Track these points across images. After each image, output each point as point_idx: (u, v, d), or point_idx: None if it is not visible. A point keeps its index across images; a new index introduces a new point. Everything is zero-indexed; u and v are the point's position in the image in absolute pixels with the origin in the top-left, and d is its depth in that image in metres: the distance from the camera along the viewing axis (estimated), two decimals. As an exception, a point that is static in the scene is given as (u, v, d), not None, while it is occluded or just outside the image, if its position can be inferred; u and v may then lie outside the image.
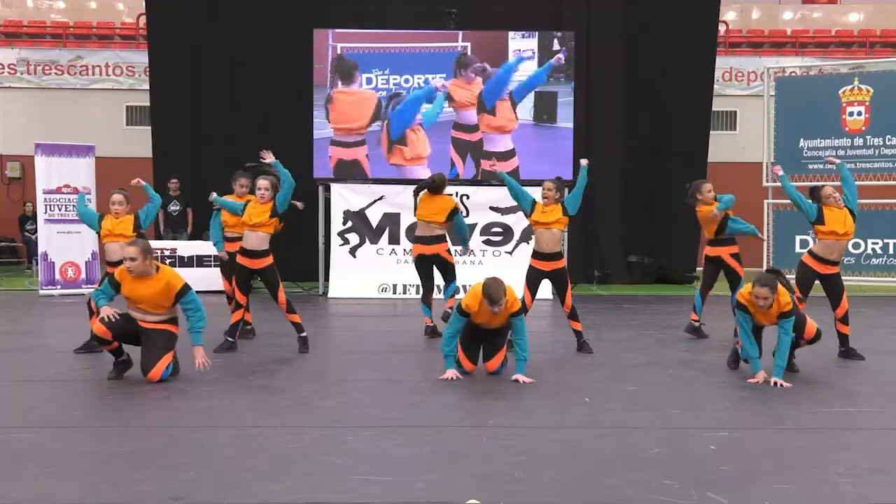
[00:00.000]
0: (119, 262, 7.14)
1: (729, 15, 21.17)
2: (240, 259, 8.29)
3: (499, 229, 13.55)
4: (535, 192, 13.39)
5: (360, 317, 10.95)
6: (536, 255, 8.31)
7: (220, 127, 15.57)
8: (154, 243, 14.13)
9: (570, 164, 13.54)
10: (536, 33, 13.86)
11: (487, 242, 13.52)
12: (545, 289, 13.29)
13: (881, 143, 14.57)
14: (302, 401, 6.35)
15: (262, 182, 8.23)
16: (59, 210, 13.48)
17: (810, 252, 8.10)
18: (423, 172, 13.02)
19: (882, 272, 14.66)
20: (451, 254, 9.37)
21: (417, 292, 11.52)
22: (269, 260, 8.20)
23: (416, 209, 9.25)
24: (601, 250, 16.19)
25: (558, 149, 13.75)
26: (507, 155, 13.76)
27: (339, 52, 13.80)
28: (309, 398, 6.44)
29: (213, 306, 11.61)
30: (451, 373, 6.96)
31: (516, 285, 13.46)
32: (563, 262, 8.37)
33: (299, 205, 9.39)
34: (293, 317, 8.26)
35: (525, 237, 13.48)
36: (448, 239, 9.39)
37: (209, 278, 13.97)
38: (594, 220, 15.83)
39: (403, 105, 13.83)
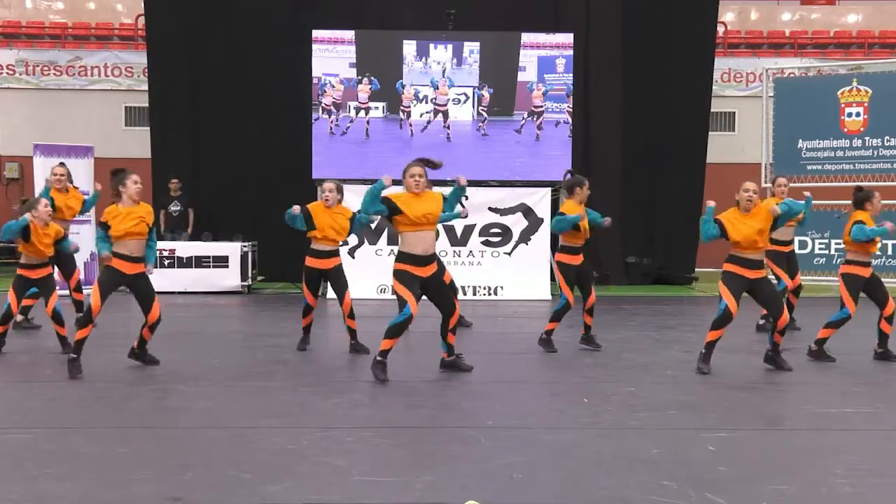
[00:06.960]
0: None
1: (727, 16, 21.16)
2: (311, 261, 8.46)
3: (497, 230, 13.54)
4: (533, 194, 13.68)
5: (358, 318, 10.89)
6: (567, 249, 8.67)
7: (220, 127, 15.57)
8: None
9: (568, 165, 13.64)
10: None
11: (486, 243, 13.50)
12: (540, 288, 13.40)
13: (880, 144, 14.57)
14: (300, 401, 6.36)
15: (328, 185, 8.30)
16: (58, 211, 13.40)
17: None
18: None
19: (881, 273, 14.62)
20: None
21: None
22: (339, 259, 8.62)
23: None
24: (599, 251, 16.19)
25: (557, 149, 13.80)
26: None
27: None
28: (307, 399, 6.44)
29: (208, 307, 11.61)
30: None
31: (515, 285, 13.71)
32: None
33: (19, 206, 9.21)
34: (351, 322, 8.64)
35: (524, 238, 13.48)
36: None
37: (208, 279, 14.01)
38: (592, 220, 15.81)
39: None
